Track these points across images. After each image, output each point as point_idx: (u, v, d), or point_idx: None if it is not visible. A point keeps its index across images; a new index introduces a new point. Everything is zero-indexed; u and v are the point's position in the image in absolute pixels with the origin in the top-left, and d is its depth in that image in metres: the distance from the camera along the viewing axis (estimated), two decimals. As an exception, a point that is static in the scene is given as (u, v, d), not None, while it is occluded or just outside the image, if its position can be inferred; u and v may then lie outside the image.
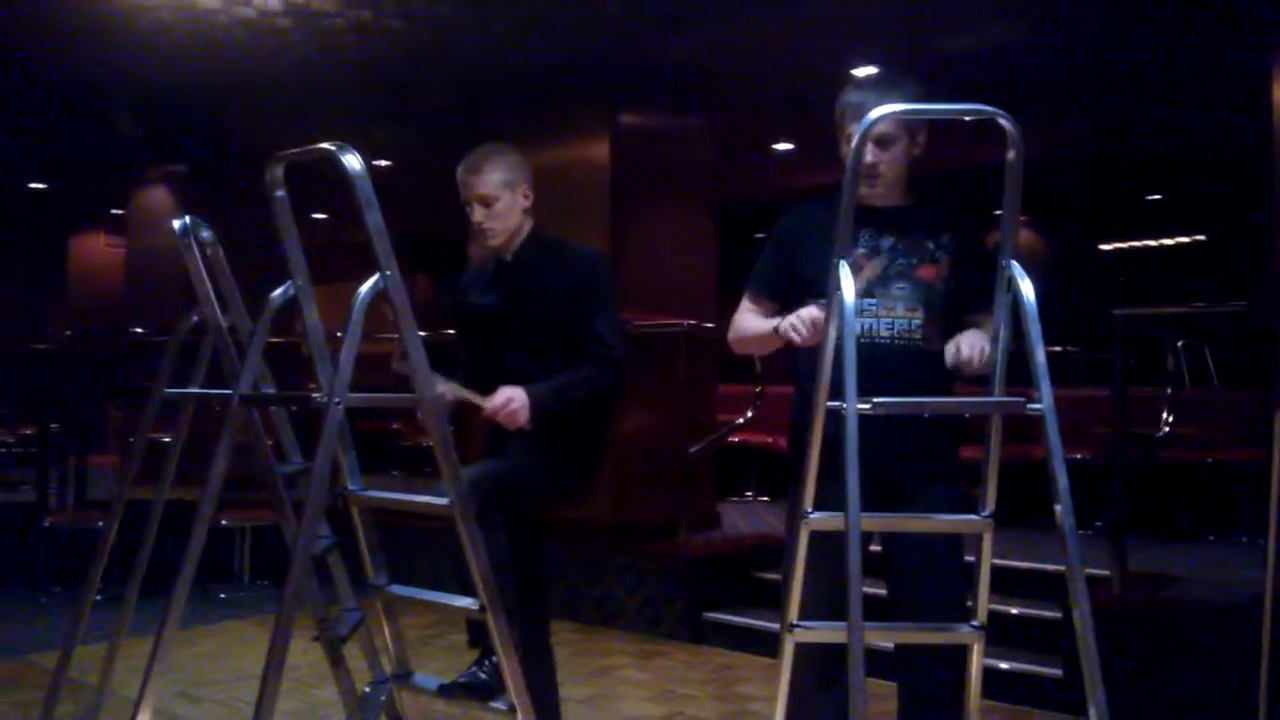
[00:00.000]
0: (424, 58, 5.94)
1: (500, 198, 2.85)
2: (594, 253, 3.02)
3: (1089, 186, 8.76)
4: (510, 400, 2.68)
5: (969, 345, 2.28)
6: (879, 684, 2.86)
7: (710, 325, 5.83)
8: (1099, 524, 5.27)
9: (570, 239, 3.02)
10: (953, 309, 2.50)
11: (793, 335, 2.36)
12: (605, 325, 2.85)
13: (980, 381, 2.25)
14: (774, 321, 2.49)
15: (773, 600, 4.50)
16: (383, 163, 8.33)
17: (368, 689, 2.61)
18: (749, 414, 6.11)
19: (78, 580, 3.39)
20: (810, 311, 2.33)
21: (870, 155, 2.46)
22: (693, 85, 6.28)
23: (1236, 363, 6.59)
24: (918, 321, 2.48)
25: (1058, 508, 1.90)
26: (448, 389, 2.65)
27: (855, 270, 2.19)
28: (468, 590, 2.23)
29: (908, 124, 2.49)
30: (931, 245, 2.53)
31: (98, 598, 3.42)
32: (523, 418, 2.69)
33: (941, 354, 2.33)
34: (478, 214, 2.86)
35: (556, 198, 2.93)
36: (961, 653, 2.22)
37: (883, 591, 2.58)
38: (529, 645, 2.79)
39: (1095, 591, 4.08)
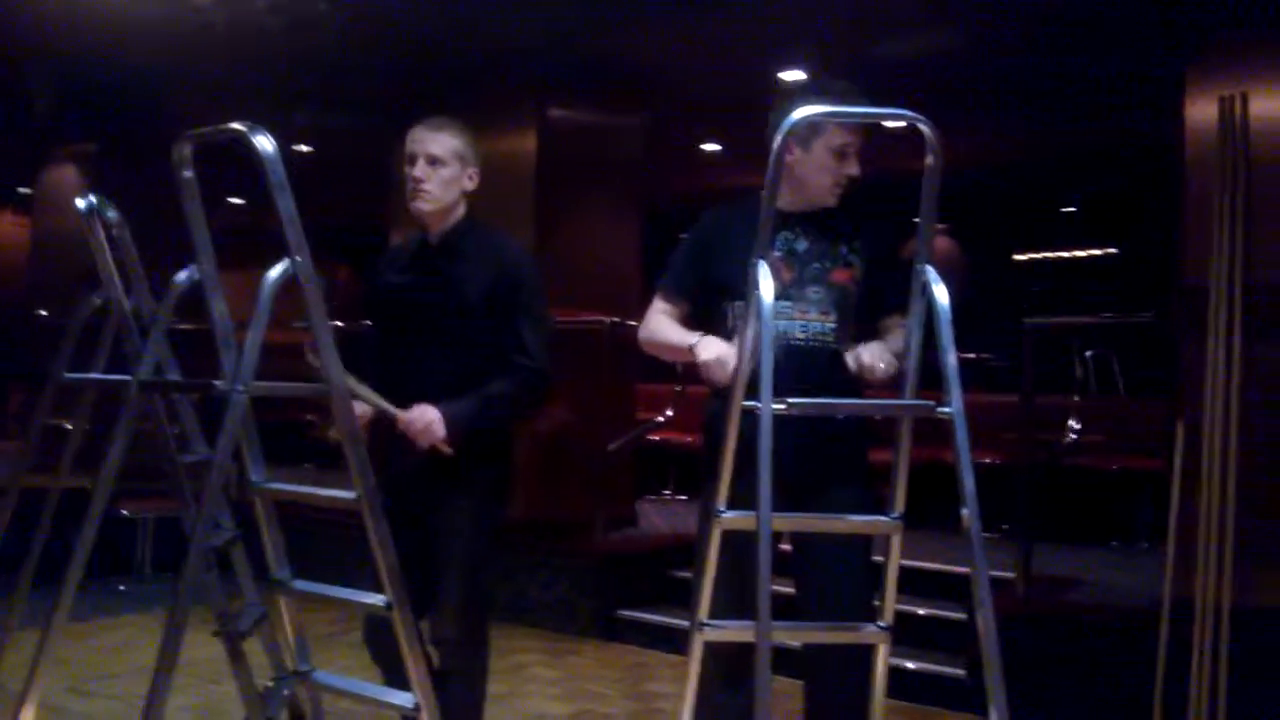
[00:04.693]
0: (349, 41, 5.83)
1: (449, 165, 2.76)
2: (526, 252, 2.91)
3: (1004, 198, 8.94)
4: (424, 416, 2.62)
5: (870, 353, 2.32)
6: (787, 683, 2.88)
7: (633, 323, 5.77)
8: (1005, 527, 5.38)
9: (505, 233, 2.94)
10: (866, 312, 2.53)
11: (704, 373, 2.40)
12: (532, 335, 2.76)
13: (892, 385, 2.27)
14: (690, 338, 2.51)
15: (687, 599, 4.52)
16: (304, 148, 8.18)
17: (269, 685, 2.55)
18: (669, 413, 6.12)
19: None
20: (731, 358, 2.32)
21: (857, 168, 2.53)
22: (623, 82, 6.27)
23: (1142, 373, 6.77)
24: (831, 325, 2.52)
25: (964, 510, 1.92)
26: (363, 394, 2.59)
27: (774, 273, 2.20)
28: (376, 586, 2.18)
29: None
30: (845, 249, 2.57)
31: (-10, 588, 3.30)
32: (438, 434, 2.63)
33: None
34: (419, 169, 2.74)
35: (481, 189, 2.87)
36: (868, 652, 2.25)
37: (792, 590, 2.59)
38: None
39: (999, 594, 4.17)
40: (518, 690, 4.39)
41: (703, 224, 2.72)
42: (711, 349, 2.41)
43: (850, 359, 2.33)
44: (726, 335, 2.47)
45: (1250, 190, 3.92)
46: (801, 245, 2.56)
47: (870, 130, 2.57)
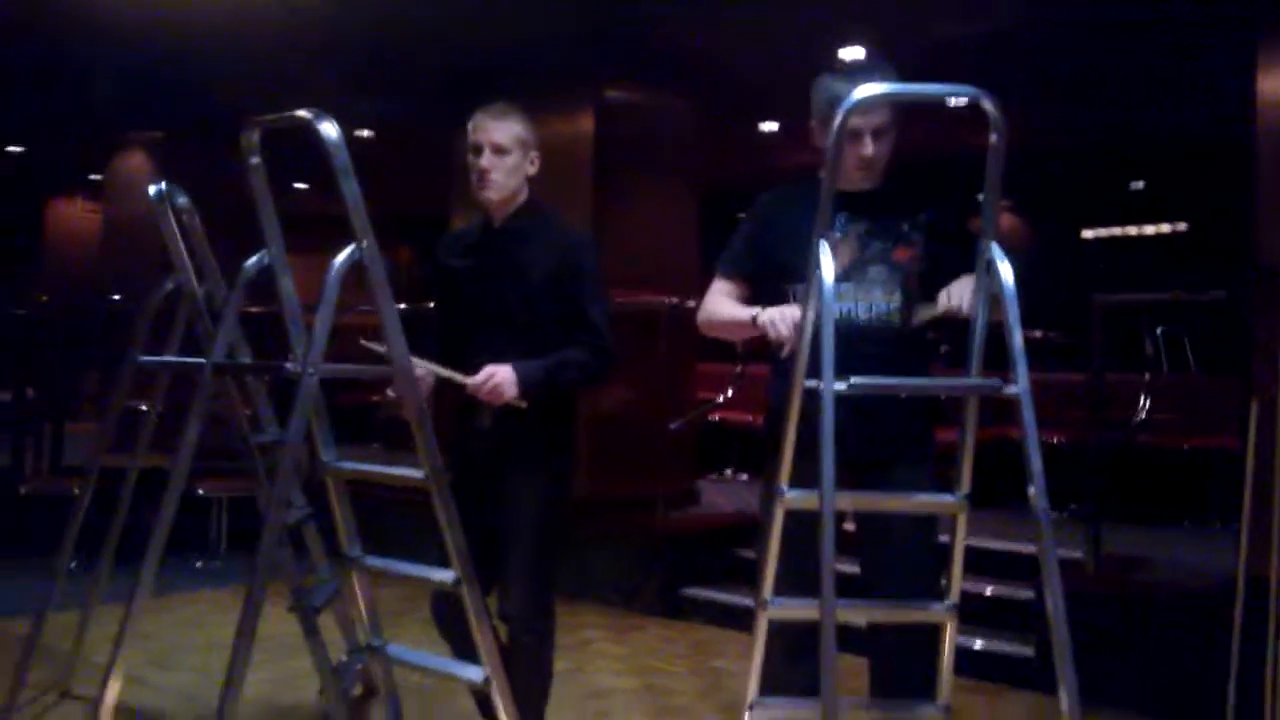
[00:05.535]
0: (407, 26, 5.87)
1: (513, 152, 2.78)
2: (588, 236, 2.94)
3: (1072, 174, 8.77)
4: (493, 376, 2.62)
5: (959, 293, 2.27)
6: (851, 660, 2.87)
7: (692, 304, 5.80)
8: (1074, 506, 5.30)
9: (564, 218, 2.97)
10: (930, 290, 2.50)
11: (771, 331, 2.37)
12: (599, 315, 2.80)
13: (957, 363, 2.25)
14: (751, 310, 2.50)
15: (751, 577, 4.53)
16: (365, 133, 8.26)
17: (342, 659, 2.61)
18: (729, 393, 6.11)
19: (53, 547, 3.37)
20: (793, 312, 2.31)
21: (869, 149, 2.46)
22: (679, 62, 6.24)
23: (1215, 350, 6.62)
24: (895, 304, 2.49)
25: (1031, 490, 1.91)
26: (425, 370, 2.61)
27: (834, 253, 2.18)
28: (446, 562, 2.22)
29: (896, 113, 2.48)
30: (906, 227, 2.53)
31: (72, 564, 3.42)
32: (510, 393, 2.63)
33: (919, 336, 2.33)
34: (485, 159, 2.76)
35: (540, 171, 2.89)
36: (934, 632, 2.24)
37: (857, 569, 2.59)
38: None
39: (1068, 573, 4.10)
40: (584, 666, 4.43)
41: (761, 205, 2.71)
42: (772, 310, 2.40)
43: (941, 298, 2.29)
44: None
45: (1325, 164, 3.82)
46: (862, 225, 2.53)
47: (889, 110, 2.48)
